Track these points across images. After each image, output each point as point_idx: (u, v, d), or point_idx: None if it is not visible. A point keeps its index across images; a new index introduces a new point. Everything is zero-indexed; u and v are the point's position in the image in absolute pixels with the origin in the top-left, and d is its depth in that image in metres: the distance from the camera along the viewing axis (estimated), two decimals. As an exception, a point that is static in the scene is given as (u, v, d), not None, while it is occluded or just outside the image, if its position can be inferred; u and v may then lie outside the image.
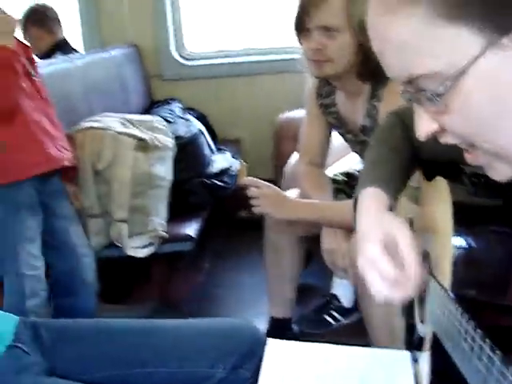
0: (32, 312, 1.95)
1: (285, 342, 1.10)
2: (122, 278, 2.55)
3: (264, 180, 1.75)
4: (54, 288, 2.14)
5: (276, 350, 1.07)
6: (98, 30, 3.36)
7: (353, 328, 2.13)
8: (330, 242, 1.72)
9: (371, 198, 0.94)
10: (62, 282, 2.15)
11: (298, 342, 1.10)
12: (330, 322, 2.21)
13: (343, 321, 2.21)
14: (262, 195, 1.69)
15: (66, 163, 2.07)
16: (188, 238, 2.40)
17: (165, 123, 2.63)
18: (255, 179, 1.73)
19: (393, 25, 0.64)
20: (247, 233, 2.51)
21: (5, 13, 1.90)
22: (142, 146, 2.32)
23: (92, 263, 2.18)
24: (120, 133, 2.29)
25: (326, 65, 1.65)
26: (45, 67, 2.47)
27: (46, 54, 3.01)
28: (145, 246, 2.31)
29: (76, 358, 1.29)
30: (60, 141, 2.07)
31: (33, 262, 2.00)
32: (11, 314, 1.37)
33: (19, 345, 1.28)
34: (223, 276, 2.77)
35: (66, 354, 1.30)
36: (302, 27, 1.65)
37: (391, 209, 0.93)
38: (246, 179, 1.75)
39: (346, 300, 2.22)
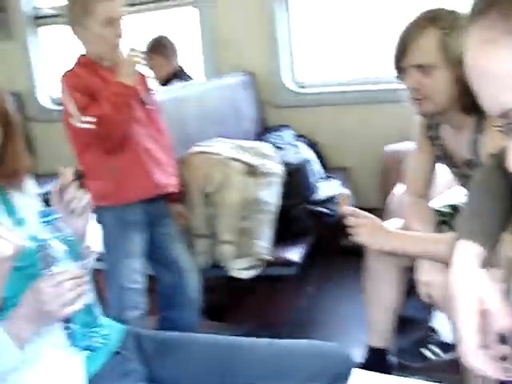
0: (131, 324, 2.08)
1: (371, 373, 1.11)
2: (226, 298, 2.64)
3: (370, 209, 1.76)
4: (160, 301, 2.28)
5: (360, 380, 1.09)
6: (216, 57, 3.51)
7: (451, 364, 2.06)
8: (425, 273, 1.70)
9: (466, 254, 0.93)
10: (167, 295, 2.28)
11: (383, 375, 1.11)
12: (428, 356, 2.16)
13: (442, 356, 2.15)
14: (359, 224, 1.70)
15: (171, 189, 2.21)
16: (292, 262, 2.44)
17: (275, 149, 2.71)
18: (354, 208, 1.75)
19: (493, 55, 0.64)
20: (350, 260, 2.51)
21: (133, 49, 2.05)
22: (252, 171, 2.41)
23: (196, 280, 2.29)
24: (230, 158, 2.39)
25: (425, 102, 1.65)
26: (163, 93, 2.65)
27: (165, 81, 3.22)
28: (249, 268, 2.38)
29: (174, 368, 1.38)
30: (168, 167, 2.21)
31: (135, 276, 2.14)
32: (119, 324, 1.48)
33: (124, 352, 1.39)
34: (324, 301, 2.78)
35: (165, 364, 1.39)
36: (398, 66, 1.68)
37: (488, 262, 0.92)
38: (345, 208, 1.77)
39: (447, 334, 2.16)
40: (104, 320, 1.34)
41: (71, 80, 2.05)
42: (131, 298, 2.14)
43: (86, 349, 1.23)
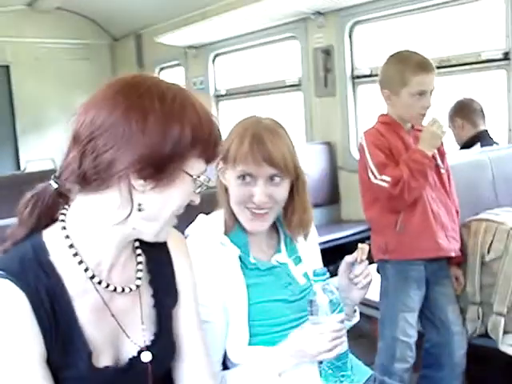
0: (397, 375, 2.18)
1: None
2: (492, 371, 2.54)
3: None
4: (423, 358, 2.34)
5: None
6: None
7: None
8: None
9: None
10: (432, 354, 2.33)
11: None
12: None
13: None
14: None
15: (453, 254, 2.26)
16: None
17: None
18: None
19: None
20: None
21: (436, 121, 2.19)
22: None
23: (463, 343, 2.30)
24: (514, 229, 2.34)
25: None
26: (459, 157, 2.70)
27: (467, 144, 3.23)
28: (521, 346, 2.28)
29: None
30: (452, 232, 2.27)
31: (408, 329, 2.24)
32: (368, 368, 1.61)
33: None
34: None
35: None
36: None
37: None
38: None
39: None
40: (354, 361, 1.50)
41: (373, 137, 2.25)
42: (402, 350, 2.25)
43: None
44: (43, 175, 3.99)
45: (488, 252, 2.35)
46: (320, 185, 4.30)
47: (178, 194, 1.03)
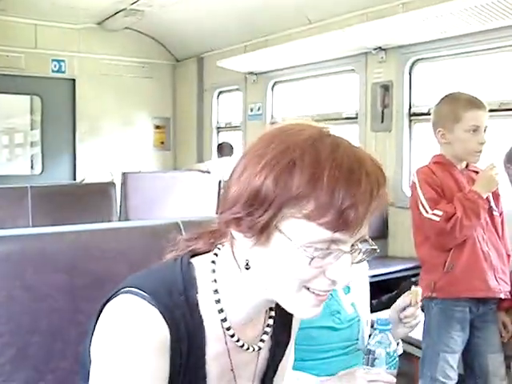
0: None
1: None
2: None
3: None
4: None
5: None
6: None
7: None
8: None
9: None
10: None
11: None
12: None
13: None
14: None
15: (502, 296, 2.23)
16: None
17: None
18: None
19: None
20: None
21: (494, 166, 2.21)
22: None
23: (504, 396, 2.24)
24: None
25: None
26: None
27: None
28: None
29: None
30: (502, 274, 2.24)
31: (448, 371, 2.21)
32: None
33: None
34: None
35: None
36: None
37: None
38: None
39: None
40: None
41: (424, 175, 2.28)
42: None
43: None
44: (102, 187, 4.13)
45: (535, 300, 2.31)
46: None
47: (280, 258, 0.88)
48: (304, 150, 0.86)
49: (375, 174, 0.87)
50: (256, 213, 0.87)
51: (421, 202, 2.22)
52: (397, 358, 1.35)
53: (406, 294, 1.52)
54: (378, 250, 0.98)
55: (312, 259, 0.85)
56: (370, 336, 1.35)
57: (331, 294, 1.53)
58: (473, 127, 2.19)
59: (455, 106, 2.23)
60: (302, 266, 0.86)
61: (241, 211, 0.88)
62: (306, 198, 0.84)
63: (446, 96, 2.33)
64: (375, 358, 1.32)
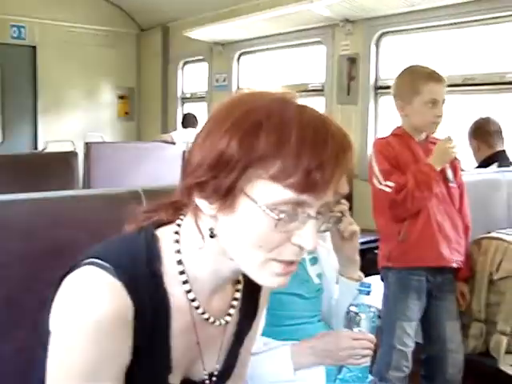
0: (391, 383, 2.20)
1: None
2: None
3: None
4: (423, 370, 2.36)
5: None
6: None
7: None
8: None
9: None
10: (426, 366, 2.36)
11: None
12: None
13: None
14: None
15: (454, 265, 2.28)
16: None
17: None
18: None
19: None
20: None
21: (450, 139, 2.24)
22: (544, 268, 2.32)
23: (458, 362, 2.30)
24: (524, 249, 2.35)
25: None
26: (474, 175, 2.72)
27: (483, 164, 3.24)
28: (522, 367, 2.29)
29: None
30: (456, 244, 2.29)
31: (405, 339, 2.26)
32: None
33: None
34: None
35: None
36: None
37: None
38: None
39: None
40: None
41: (380, 146, 2.33)
42: (398, 358, 2.27)
43: None
44: (63, 156, 4.06)
45: (497, 271, 2.36)
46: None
47: (246, 224, 0.85)
48: (270, 110, 0.85)
49: (340, 137, 0.87)
50: (221, 175, 0.84)
51: (374, 174, 2.26)
52: (376, 322, 1.38)
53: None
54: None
55: (278, 221, 0.83)
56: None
57: (301, 263, 1.53)
58: (431, 100, 2.22)
59: (414, 79, 2.25)
60: (267, 230, 0.84)
61: (205, 175, 0.86)
62: (271, 159, 0.82)
63: (406, 69, 2.34)
64: (358, 320, 1.35)
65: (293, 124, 0.83)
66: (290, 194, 0.83)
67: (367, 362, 1.37)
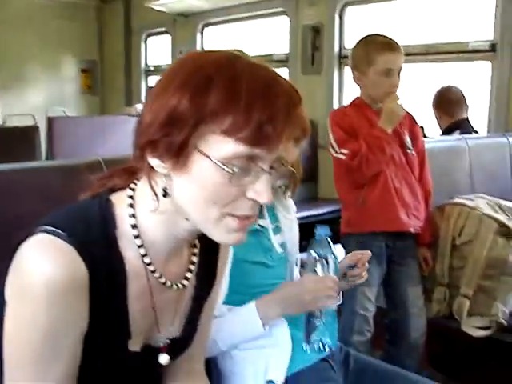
0: (354, 347, 2.24)
1: None
2: (455, 352, 2.62)
3: None
4: (387, 334, 2.42)
5: None
6: (504, 112, 3.45)
7: None
8: None
9: None
10: (390, 331, 2.43)
11: None
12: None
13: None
14: None
15: (412, 229, 2.32)
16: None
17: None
18: None
19: None
20: None
21: (395, 98, 2.23)
22: (504, 232, 2.37)
23: (420, 326, 2.36)
24: (486, 215, 2.39)
25: None
26: (436, 142, 2.76)
27: (446, 132, 3.29)
28: (483, 328, 2.35)
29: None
30: (414, 210, 2.33)
31: (366, 304, 2.31)
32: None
33: (331, 361, 1.56)
34: None
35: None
36: None
37: None
38: None
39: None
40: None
41: (336, 116, 2.35)
42: (360, 323, 2.31)
43: (316, 348, 1.38)
44: (24, 130, 3.99)
45: (459, 236, 2.40)
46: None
47: (200, 180, 0.86)
48: (220, 65, 0.85)
49: (290, 91, 0.88)
50: (173, 132, 0.84)
51: (330, 143, 2.29)
52: (337, 264, 1.41)
53: (352, 253, 1.58)
54: (298, 176, 0.97)
55: (232, 175, 0.84)
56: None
57: (263, 232, 1.54)
58: (386, 70, 2.21)
59: (369, 49, 2.24)
60: (221, 185, 0.84)
61: (157, 133, 0.86)
62: (223, 114, 0.82)
63: (361, 39, 2.33)
64: (321, 264, 1.36)
65: (243, 78, 0.83)
66: (242, 148, 0.83)
67: (333, 304, 1.38)
